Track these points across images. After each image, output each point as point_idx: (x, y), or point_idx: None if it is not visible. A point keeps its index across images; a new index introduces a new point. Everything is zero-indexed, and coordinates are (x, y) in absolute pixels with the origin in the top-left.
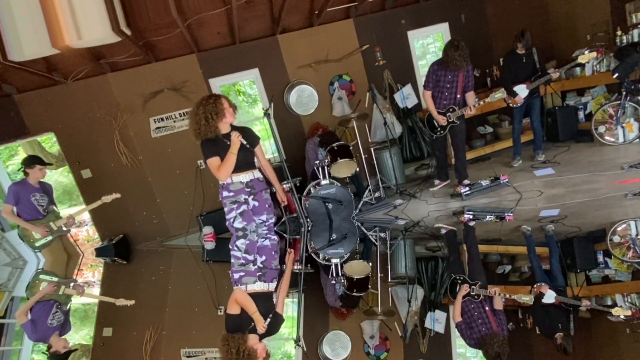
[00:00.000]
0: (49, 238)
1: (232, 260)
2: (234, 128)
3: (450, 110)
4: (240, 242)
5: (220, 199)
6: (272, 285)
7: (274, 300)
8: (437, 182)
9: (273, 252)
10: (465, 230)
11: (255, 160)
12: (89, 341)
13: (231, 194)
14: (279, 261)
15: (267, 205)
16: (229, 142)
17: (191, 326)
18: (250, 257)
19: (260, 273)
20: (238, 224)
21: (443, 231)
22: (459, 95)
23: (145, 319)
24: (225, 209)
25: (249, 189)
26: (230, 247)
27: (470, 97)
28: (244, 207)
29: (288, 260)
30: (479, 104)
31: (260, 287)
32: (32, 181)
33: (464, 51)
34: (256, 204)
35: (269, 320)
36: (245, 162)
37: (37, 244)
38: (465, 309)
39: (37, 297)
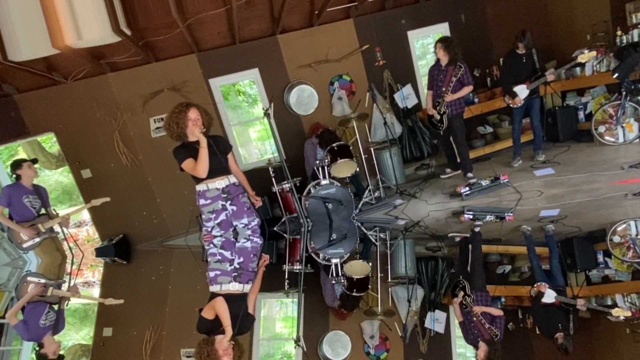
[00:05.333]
0: (37, 240)
1: (209, 258)
2: (207, 136)
3: (437, 103)
4: (217, 240)
5: (197, 205)
6: (247, 287)
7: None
8: (448, 170)
9: (252, 255)
10: (471, 235)
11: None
12: (89, 341)
13: (208, 201)
14: (278, 262)
15: (245, 208)
16: (198, 146)
17: (191, 326)
18: (227, 254)
19: (236, 274)
20: (216, 232)
21: (457, 239)
22: (444, 89)
23: (145, 319)
24: (203, 217)
25: (225, 195)
26: (206, 246)
27: (464, 90)
28: (222, 216)
29: (261, 264)
30: (450, 85)
31: (235, 287)
32: (25, 183)
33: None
34: (234, 208)
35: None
36: (220, 167)
37: (24, 245)
38: (463, 311)
39: (25, 299)
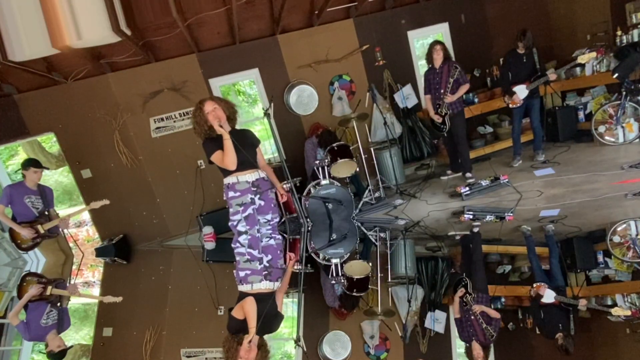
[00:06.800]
0: (36, 240)
1: (237, 258)
2: (234, 130)
3: (438, 105)
4: (242, 238)
5: (225, 199)
6: (276, 285)
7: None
8: (449, 171)
9: (278, 252)
10: (470, 236)
11: None
12: (89, 341)
13: (237, 194)
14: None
15: (272, 205)
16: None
17: (191, 326)
18: (256, 253)
19: (266, 272)
20: (241, 227)
21: (457, 237)
22: (442, 90)
23: (145, 319)
24: (231, 210)
25: (255, 188)
26: (232, 245)
27: (462, 89)
28: (249, 210)
29: (289, 263)
30: (449, 86)
31: (265, 286)
32: (29, 183)
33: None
34: (262, 203)
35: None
36: (249, 161)
37: (23, 246)
38: (461, 309)
39: (25, 299)
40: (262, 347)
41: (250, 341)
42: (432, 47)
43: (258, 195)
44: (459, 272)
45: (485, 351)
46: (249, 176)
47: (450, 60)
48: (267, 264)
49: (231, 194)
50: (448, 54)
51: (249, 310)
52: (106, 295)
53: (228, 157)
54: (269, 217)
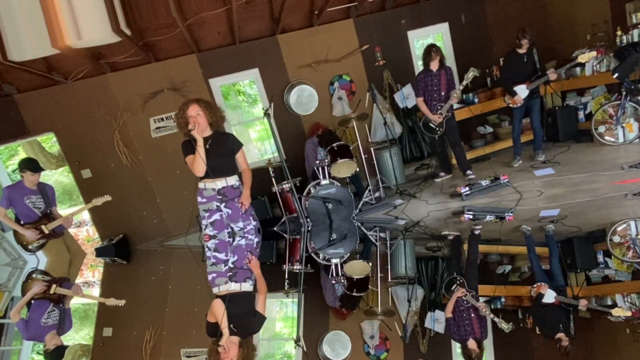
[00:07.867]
0: (42, 241)
1: (207, 262)
2: (216, 134)
3: (439, 107)
4: (211, 242)
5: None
6: (245, 286)
7: (255, 300)
8: (441, 174)
9: (246, 252)
10: (470, 237)
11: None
12: (89, 341)
13: (204, 200)
14: (278, 262)
15: (240, 213)
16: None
17: (191, 326)
18: (222, 256)
19: (230, 273)
20: (209, 231)
21: (450, 237)
22: (443, 93)
23: (145, 319)
24: (200, 214)
25: (220, 197)
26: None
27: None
28: (216, 215)
29: (252, 267)
30: (460, 88)
31: (232, 287)
32: (28, 184)
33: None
34: (229, 211)
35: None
36: (221, 168)
37: (30, 247)
38: (457, 308)
39: (27, 297)
40: (244, 345)
41: (219, 345)
42: (431, 51)
43: (224, 204)
44: (450, 272)
45: (480, 348)
46: (216, 184)
47: (444, 63)
48: (232, 265)
49: (199, 199)
50: (444, 57)
51: (215, 312)
52: (109, 298)
53: (196, 164)
54: (240, 224)
